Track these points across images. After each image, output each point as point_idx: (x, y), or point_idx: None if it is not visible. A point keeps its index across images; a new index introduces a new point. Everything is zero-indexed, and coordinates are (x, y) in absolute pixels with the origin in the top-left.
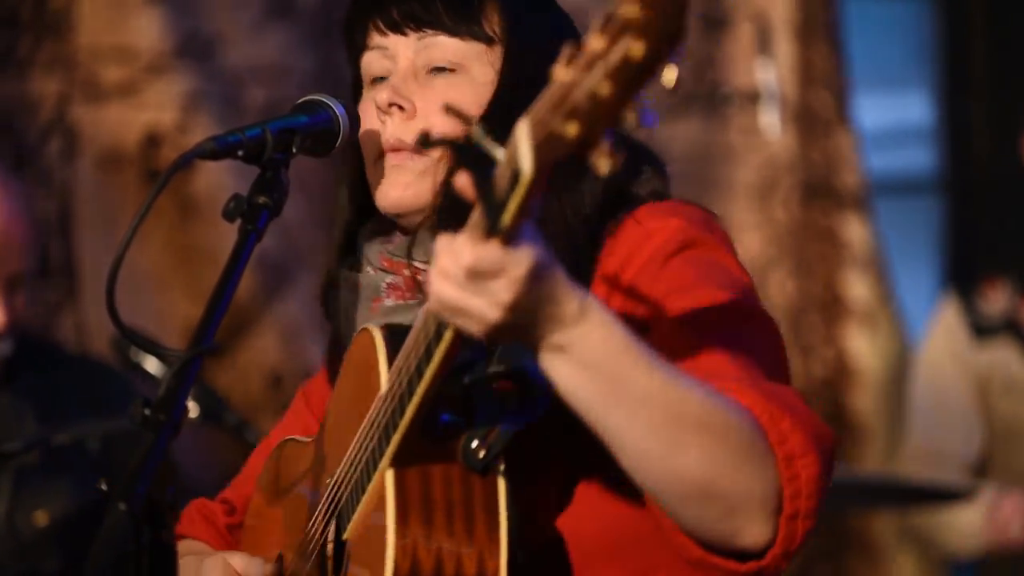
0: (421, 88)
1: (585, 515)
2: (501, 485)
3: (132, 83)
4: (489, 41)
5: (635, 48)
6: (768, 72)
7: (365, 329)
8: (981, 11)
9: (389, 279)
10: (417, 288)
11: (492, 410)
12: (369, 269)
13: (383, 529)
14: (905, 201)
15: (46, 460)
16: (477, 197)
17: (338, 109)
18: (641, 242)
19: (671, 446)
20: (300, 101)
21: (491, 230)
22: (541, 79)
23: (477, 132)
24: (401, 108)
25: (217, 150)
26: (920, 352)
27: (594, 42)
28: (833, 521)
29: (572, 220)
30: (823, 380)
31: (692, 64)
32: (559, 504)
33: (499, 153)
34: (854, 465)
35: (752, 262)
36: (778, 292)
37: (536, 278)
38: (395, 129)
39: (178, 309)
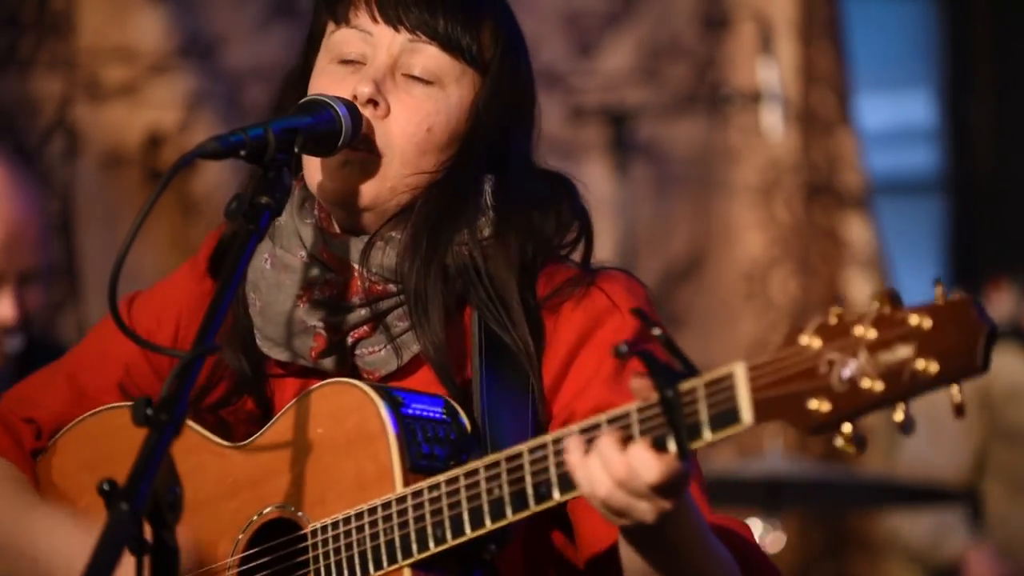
0: (398, 89)
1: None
2: None
3: (134, 83)
4: (474, 64)
5: (929, 367)
6: (770, 72)
7: (358, 388)
8: (984, 11)
9: (329, 276)
10: (360, 291)
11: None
12: (302, 253)
13: None
14: (907, 201)
15: None
16: (664, 408)
17: (341, 110)
18: (610, 310)
19: None
20: (302, 101)
21: (682, 451)
22: (511, 111)
23: (662, 338)
24: (376, 105)
25: (219, 150)
26: None
27: (860, 329)
28: (835, 521)
29: (524, 255)
30: None
31: (693, 64)
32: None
33: (706, 379)
34: (855, 465)
35: (754, 262)
36: (780, 291)
37: (685, 489)
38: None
39: None
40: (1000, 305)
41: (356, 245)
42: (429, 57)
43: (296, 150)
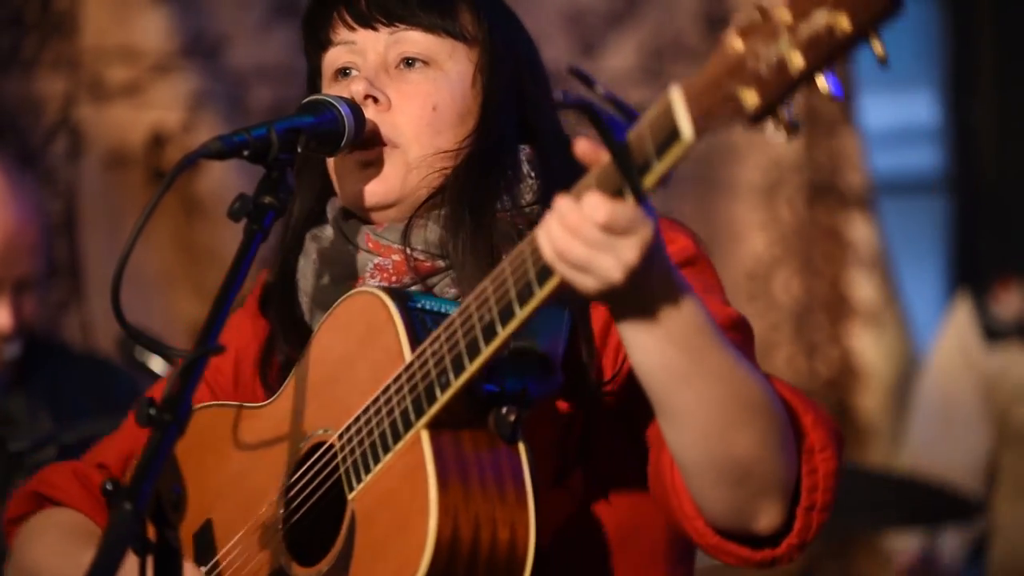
0: (394, 81)
1: (594, 504)
2: (524, 453)
3: (137, 83)
4: (463, 39)
5: (841, 21)
6: None
7: (365, 291)
8: (987, 11)
9: (376, 260)
10: (409, 271)
11: (517, 382)
12: (350, 247)
13: (416, 492)
14: (911, 201)
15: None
16: (614, 156)
17: (343, 108)
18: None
19: (730, 424)
20: (305, 101)
21: (633, 190)
22: (520, 79)
23: (604, 95)
24: (376, 100)
25: (223, 150)
26: (930, 353)
27: (779, 13)
28: (840, 521)
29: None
30: (828, 380)
31: (696, 64)
32: (570, 492)
33: (647, 116)
34: (859, 465)
35: (757, 262)
36: (783, 292)
37: (657, 243)
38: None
39: (183, 308)
40: (1009, 305)
41: (398, 229)
42: (414, 42)
43: (299, 150)
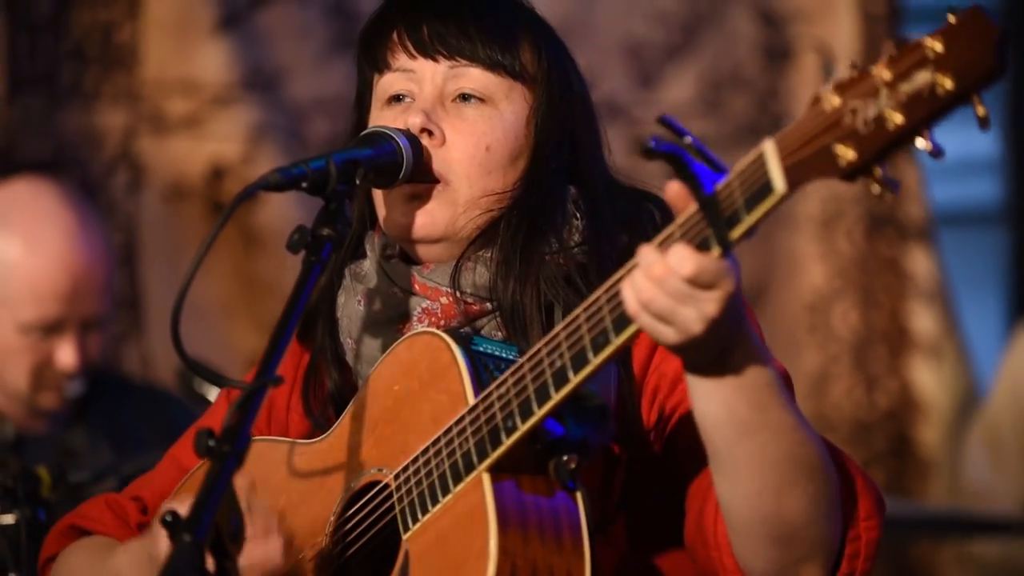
0: (450, 116)
1: (633, 557)
2: (582, 501)
3: (197, 115)
4: (522, 78)
5: (943, 82)
6: None
7: (427, 333)
8: None
9: (425, 304)
10: (458, 315)
11: (578, 429)
12: (395, 289)
13: (475, 535)
14: (970, 232)
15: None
16: (702, 208)
17: (402, 141)
18: None
19: (786, 484)
20: (364, 133)
21: (720, 242)
22: (573, 120)
23: (693, 145)
24: (430, 134)
25: (281, 182)
26: (992, 385)
27: (878, 71)
28: (897, 555)
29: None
30: (887, 412)
31: (755, 96)
32: (612, 542)
33: (738, 168)
34: (918, 498)
35: (816, 293)
36: (842, 323)
37: (737, 296)
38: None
39: (242, 340)
40: None
41: (445, 271)
42: (473, 79)
43: (357, 182)
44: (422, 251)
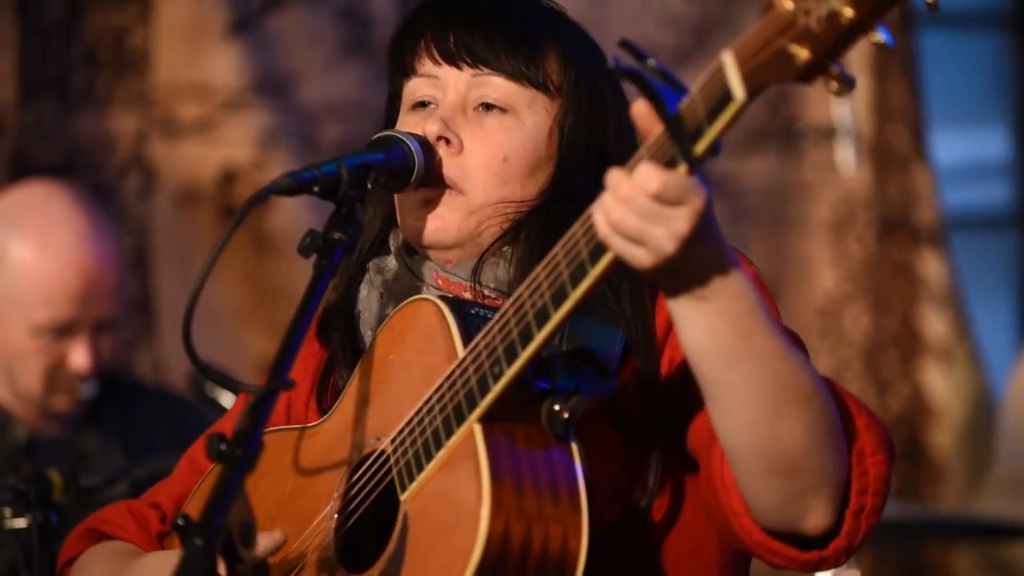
0: (470, 125)
1: (653, 520)
2: (577, 453)
3: (208, 120)
4: (545, 89)
5: None
6: (844, 108)
7: (419, 299)
8: None
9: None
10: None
11: (569, 381)
12: (418, 283)
13: (468, 483)
14: (983, 237)
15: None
16: (666, 125)
17: (413, 145)
18: None
19: (779, 412)
20: (375, 137)
21: (685, 156)
22: (603, 133)
23: (656, 67)
24: (448, 142)
25: (293, 186)
26: (1012, 377)
27: None
28: (910, 559)
29: None
30: (900, 416)
31: (767, 100)
32: (617, 483)
33: (699, 82)
34: (930, 502)
35: (828, 298)
36: (854, 327)
37: (709, 214)
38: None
39: (253, 344)
40: None
41: (468, 267)
42: (496, 88)
43: (369, 186)
44: (435, 256)
